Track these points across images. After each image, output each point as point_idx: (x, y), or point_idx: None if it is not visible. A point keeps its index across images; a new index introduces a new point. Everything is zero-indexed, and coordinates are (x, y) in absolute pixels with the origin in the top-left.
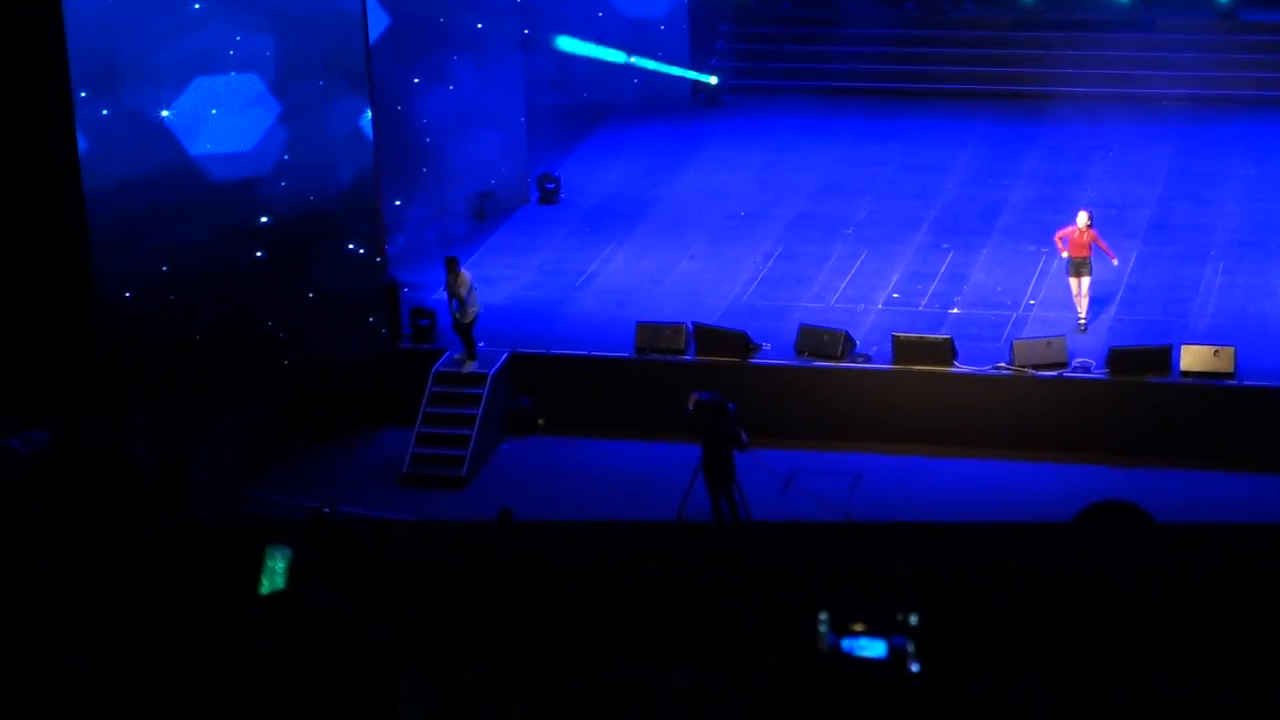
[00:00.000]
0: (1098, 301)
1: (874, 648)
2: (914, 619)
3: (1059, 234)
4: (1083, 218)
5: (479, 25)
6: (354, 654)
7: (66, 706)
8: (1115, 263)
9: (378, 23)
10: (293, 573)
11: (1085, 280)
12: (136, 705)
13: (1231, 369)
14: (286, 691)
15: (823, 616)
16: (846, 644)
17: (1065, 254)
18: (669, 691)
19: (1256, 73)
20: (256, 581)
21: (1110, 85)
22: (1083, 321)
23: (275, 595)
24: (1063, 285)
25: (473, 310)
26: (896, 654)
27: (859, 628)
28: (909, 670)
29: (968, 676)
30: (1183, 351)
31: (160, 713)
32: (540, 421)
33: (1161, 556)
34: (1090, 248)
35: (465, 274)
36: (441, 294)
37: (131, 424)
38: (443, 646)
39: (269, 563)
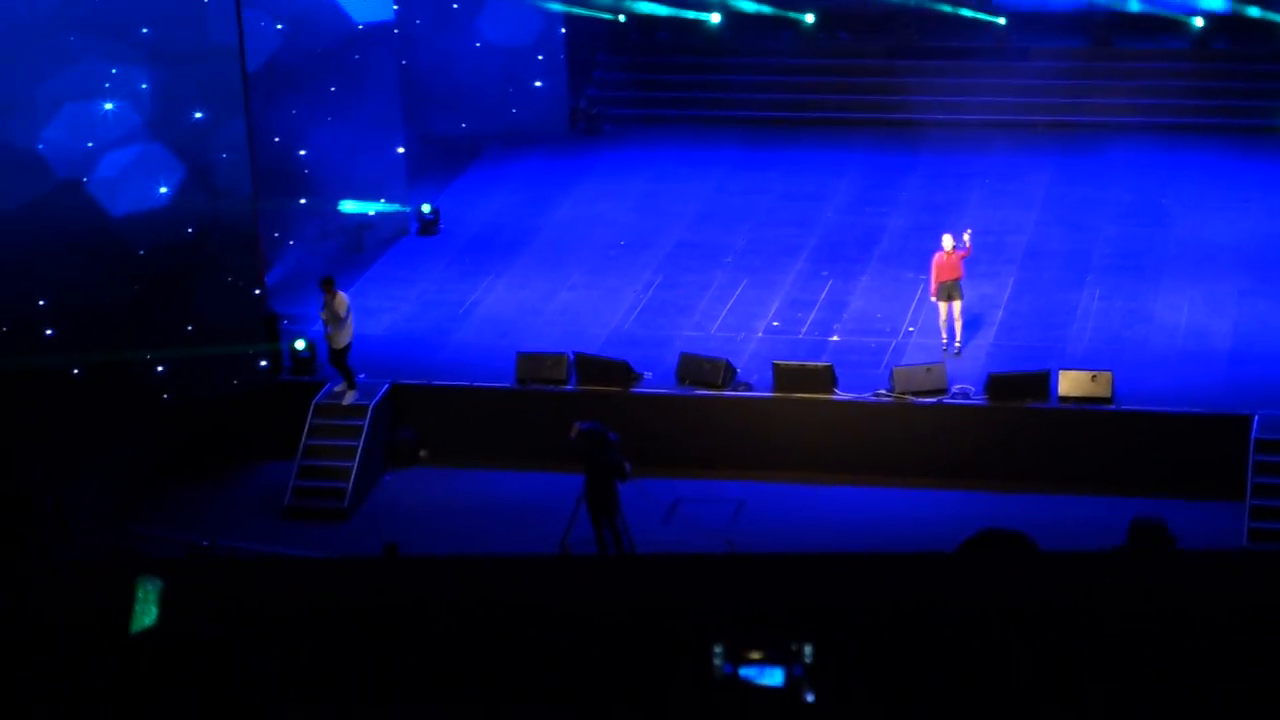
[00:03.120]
0: (974, 326)
1: (771, 676)
2: (809, 649)
3: (933, 263)
4: (947, 240)
5: (356, 56)
6: (235, 686)
7: None
8: (967, 242)
9: (265, 47)
10: (165, 605)
11: (956, 304)
12: None
13: (1109, 393)
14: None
15: (718, 649)
16: (744, 672)
17: (934, 293)
18: None
19: (1130, 99)
20: (130, 616)
21: (986, 112)
22: (958, 346)
23: (151, 630)
24: None
25: (346, 336)
26: (793, 682)
27: (756, 656)
28: (804, 699)
29: (858, 706)
30: (1060, 377)
31: None
32: (422, 453)
33: (1047, 583)
34: (960, 267)
35: (342, 295)
36: (321, 326)
37: (27, 471)
38: (328, 683)
39: (140, 595)
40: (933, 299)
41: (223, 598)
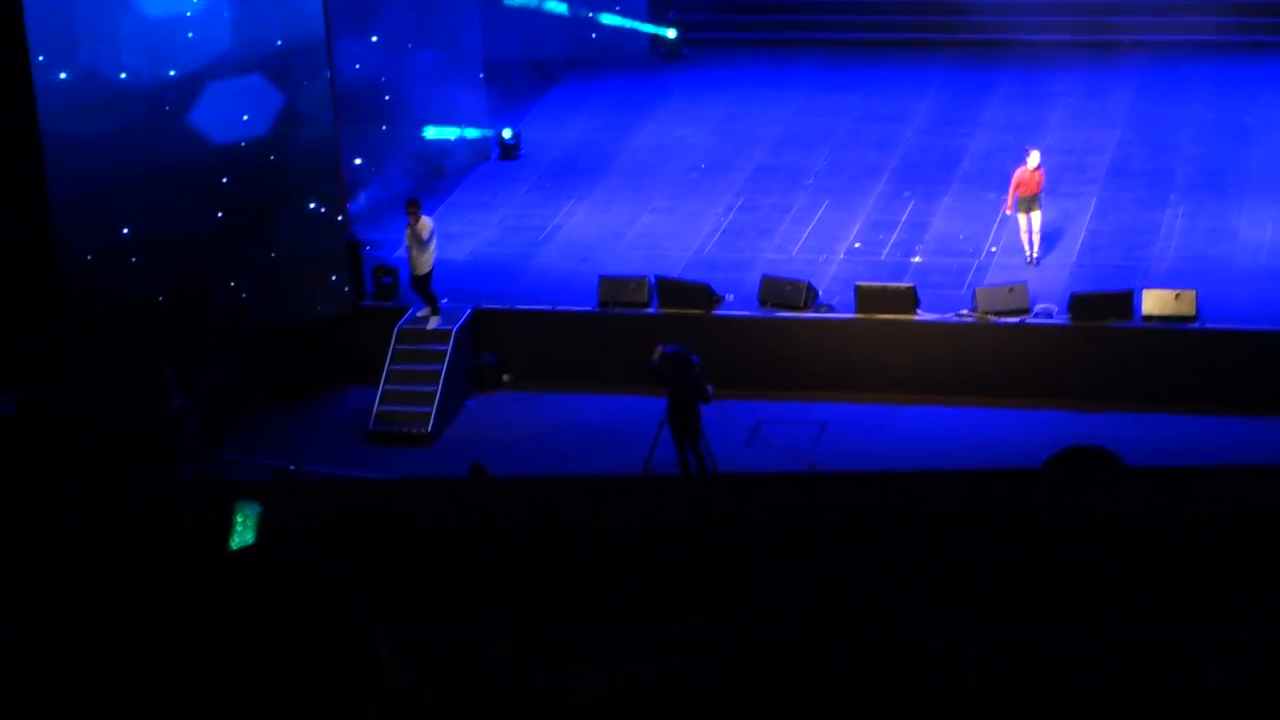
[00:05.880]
0: (1058, 246)
1: (854, 590)
2: (889, 563)
3: (1014, 178)
4: (1034, 157)
5: None
6: (335, 606)
7: (39, 674)
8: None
9: None
10: (263, 529)
11: (1036, 216)
12: (112, 669)
13: (1193, 312)
14: (267, 646)
15: (802, 564)
16: (829, 588)
17: (1008, 206)
18: (649, 647)
19: (1214, 16)
20: (227, 539)
21: (1069, 31)
22: (1034, 256)
23: (249, 549)
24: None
25: (428, 263)
26: (876, 595)
27: (836, 572)
28: (889, 616)
29: (946, 623)
30: (1144, 296)
31: (138, 676)
32: (505, 377)
33: (1139, 500)
34: (1040, 185)
35: (426, 219)
36: (403, 251)
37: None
38: (417, 604)
39: (238, 519)
40: (1007, 212)
41: (313, 520)
